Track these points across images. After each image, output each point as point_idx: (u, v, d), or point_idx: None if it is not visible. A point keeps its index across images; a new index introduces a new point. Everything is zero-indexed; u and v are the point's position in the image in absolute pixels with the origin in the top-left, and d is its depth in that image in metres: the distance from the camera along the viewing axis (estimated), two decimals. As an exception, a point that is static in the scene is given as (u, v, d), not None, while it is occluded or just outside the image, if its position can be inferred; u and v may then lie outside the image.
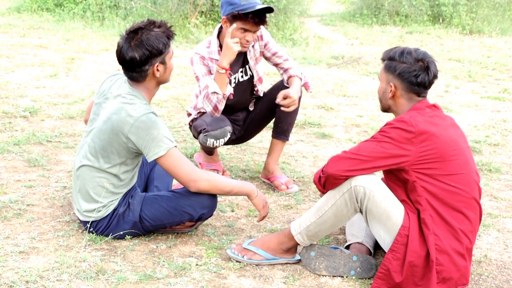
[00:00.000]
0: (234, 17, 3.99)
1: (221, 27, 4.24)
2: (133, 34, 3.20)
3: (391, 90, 3.14)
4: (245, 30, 4.03)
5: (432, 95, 7.83)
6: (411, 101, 3.14)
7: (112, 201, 3.31)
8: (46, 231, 3.43)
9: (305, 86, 4.43)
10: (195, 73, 4.15)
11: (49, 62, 8.17)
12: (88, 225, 3.32)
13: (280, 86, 4.44)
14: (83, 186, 3.31)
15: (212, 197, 3.38)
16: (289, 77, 4.36)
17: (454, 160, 2.99)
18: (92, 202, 3.30)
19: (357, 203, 3.04)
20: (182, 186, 3.38)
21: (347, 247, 3.42)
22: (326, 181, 3.10)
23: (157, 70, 3.25)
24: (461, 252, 2.99)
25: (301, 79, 4.34)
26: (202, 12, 12.18)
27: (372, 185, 3.00)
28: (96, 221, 3.33)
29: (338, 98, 7.42)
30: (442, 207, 2.97)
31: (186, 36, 11.14)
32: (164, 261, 3.18)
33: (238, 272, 3.16)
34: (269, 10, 3.97)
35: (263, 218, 3.48)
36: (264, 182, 4.52)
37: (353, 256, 3.20)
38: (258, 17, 3.99)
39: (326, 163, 3.11)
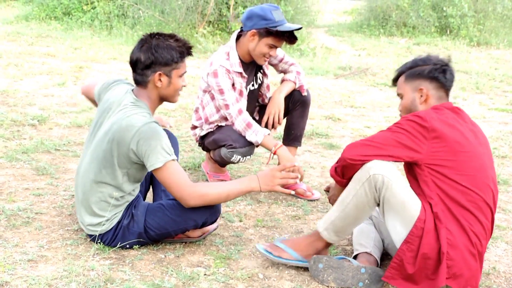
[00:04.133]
0: (269, 33, 4.04)
1: (238, 37, 4.25)
2: (149, 38, 3.24)
3: (421, 95, 3.22)
4: (273, 46, 4.10)
5: (440, 106, 7.82)
6: (440, 100, 3.23)
7: (115, 214, 3.29)
8: (55, 239, 3.43)
9: (300, 89, 4.49)
10: (220, 86, 4.12)
11: (57, 70, 8.20)
12: (96, 238, 3.31)
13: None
14: (85, 199, 3.28)
15: None
16: (282, 80, 4.50)
17: (467, 162, 3.00)
18: (95, 216, 3.27)
19: (376, 192, 3.04)
20: None
21: (355, 257, 3.41)
22: (343, 167, 3.15)
23: (159, 80, 3.25)
24: (473, 252, 2.98)
25: (295, 83, 4.43)
26: (210, 21, 12.22)
27: (390, 174, 3.00)
28: (101, 234, 3.32)
29: (345, 109, 7.43)
30: (452, 204, 2.98)
31: (193, 46, 11.16)
32: (172, 271, 3.18)
33: (246, 282, 3.15)
34: (299, 28, 4.12)
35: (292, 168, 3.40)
36: (271, 191, 4.52)
37: (362, 268, 3.20)
38: (293, 37, 4.10)
39: (342, 151, 3.15)
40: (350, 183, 3.14)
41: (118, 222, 3.30)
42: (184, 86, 3.40)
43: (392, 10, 14.69)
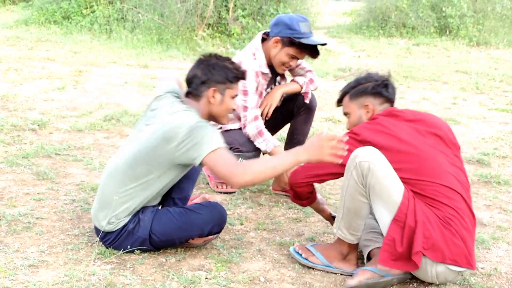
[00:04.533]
0: (292, 43, 4.05)
1: (263, 39, 4.26)
2: (208, 58, 3.35)
3: (368, 111, 3.37)
4: (294, 57, 4.10)
5: (440, 107, 7.83)
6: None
7: (123, 218, 3.29)
8: (56, 244, 3.43)
9: (304, 95, 4.48)
10: (245, 87, 4.14)
11: (57, 74, 8.20)
12: (99, 233, 3.30)
13: (293, 97, 4.49)
14: (107, 197, 3.26)
15: (222, 212, 3.41)
16: (291, 81, 4.51)
17: (407, 157, 3.10)
18: (106, 210, 3.26)
19: (363, 179, 3.08)
20: (198, 200, 3.41)
21: (368, 254, 3.40)
22: (295, 193, 3.42)
23: (213, 96, 3.29)
24: (448, 228, 3.00)
25: (301, 87, 4.41)
26: (209, 24, 12.22)
27: (376, 160, 3.06)
28: (104, 232, 3.31)
29: (345, 111, 7.41)
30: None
31: (193, 49, 11.16)
32: (173, 275, 3.17)
33: (248, 286, 3.15)
34: (324, 44, 4.15)
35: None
36: (276, 194, 4.53)
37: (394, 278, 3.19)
38: (316, 51, 4.09)
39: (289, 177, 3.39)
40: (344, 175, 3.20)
41: (124, 226, 3.29)
42: (234, 110, 3.43)
43: (391, 11, 14.68)
